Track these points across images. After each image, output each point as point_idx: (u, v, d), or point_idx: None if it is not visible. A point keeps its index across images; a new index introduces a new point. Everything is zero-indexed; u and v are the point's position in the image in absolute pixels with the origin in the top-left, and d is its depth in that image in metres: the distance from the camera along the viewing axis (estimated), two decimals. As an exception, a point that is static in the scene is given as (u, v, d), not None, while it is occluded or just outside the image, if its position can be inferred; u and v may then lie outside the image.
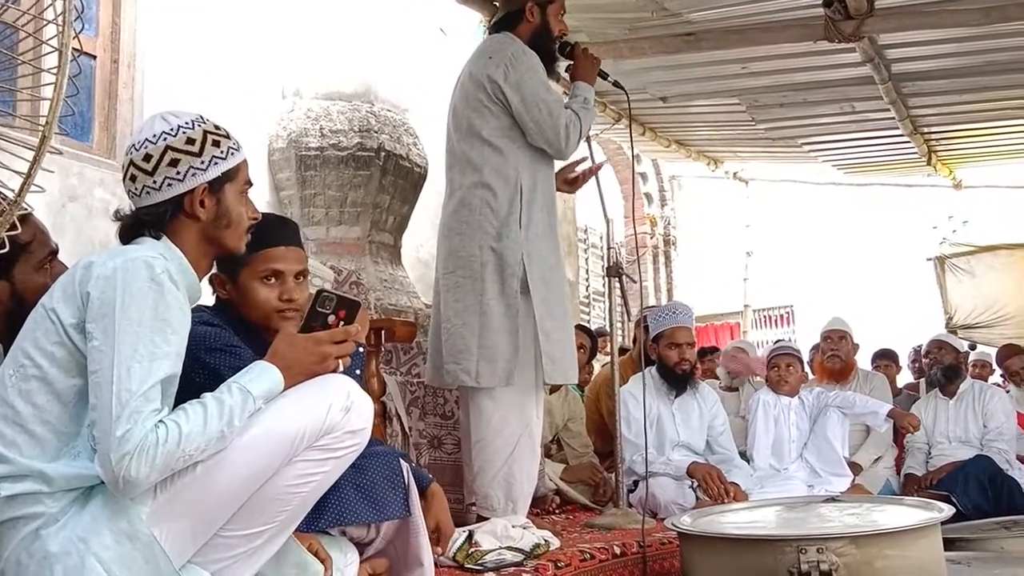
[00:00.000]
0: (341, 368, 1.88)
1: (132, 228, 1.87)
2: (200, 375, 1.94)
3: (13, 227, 2.20)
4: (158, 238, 1.85)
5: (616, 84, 3.52)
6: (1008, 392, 6.19)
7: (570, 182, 3.53)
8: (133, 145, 1.88)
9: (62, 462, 1.68)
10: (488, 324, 3.13)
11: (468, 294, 3.16)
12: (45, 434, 1.68)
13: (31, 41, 3.08)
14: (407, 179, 5.80)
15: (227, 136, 1.93)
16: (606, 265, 3.56)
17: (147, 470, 1.60)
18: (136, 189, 1.87)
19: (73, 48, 2.68)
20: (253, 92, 5.66)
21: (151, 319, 1.68)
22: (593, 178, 3.51)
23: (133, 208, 1.90)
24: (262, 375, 1.77)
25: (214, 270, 2.10)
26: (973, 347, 8.48)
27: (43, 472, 1.66)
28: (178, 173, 1.85)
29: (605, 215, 3.46)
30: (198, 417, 1.66)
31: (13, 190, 2.31)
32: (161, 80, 5.21)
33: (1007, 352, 6.66)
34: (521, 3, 3.33)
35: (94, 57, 5.00)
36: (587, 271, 10.66)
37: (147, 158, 1.85)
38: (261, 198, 5.49)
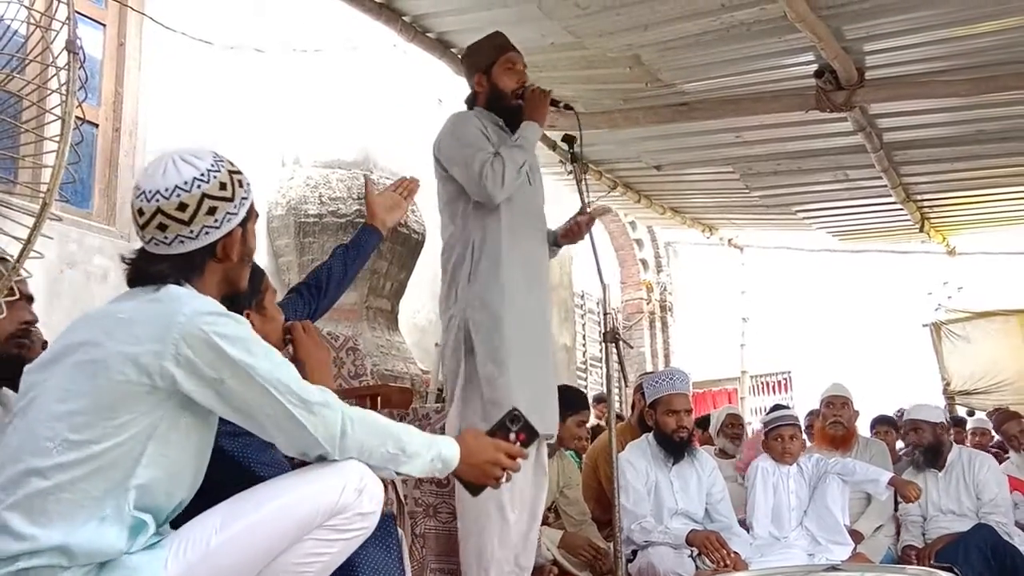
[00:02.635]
0: (504, 480, 2.02)
1: (153, 275, 1.82)
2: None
3: (11, 292, 2.20)
4: (180, 284, 1.82)
5: (566, 107, 3.54)
6: (1008, 458, 6.12)
7: (565, 234, 3.48)
8: (159, 192, 1.82)
9: (90, 528, 1.65)
10: (458, 386, 3.20)
11: (448, 360, 3.25)
12: (77, 500, 1.66)
13: (35, 109, 3.12)
14: (405, 245, 5.84)
15: (240, 171, 1.94)
16: (603, 330, 3.56)
17: (357, 425, 1.81)
18: (166, 238, 1.82)
19: (76, 116, 2.71)
20: (253, 160, 5.71)
21: (251, 337, 1.77)
22: (590, 244, 3.51)
23: (155, 255, 1.85)
24: (448, 443, 1.95)
25: None
26: (971, 413, 8.44)
27: (66, 547, 1.63)
28: (215, 221, 1.84)
29: (601, 280, 3.46)
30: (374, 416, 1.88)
31: (12, 256, 2.33)
32: (162, 148, 5.25)
33: (1002, 417, 6.60)
34: (471, 77, 3.45)
35: (96, 125, 5.07)
36: (584, 336, 10.66)
37: (182, 207, 1.81)
38: (260, 264, 5.51)
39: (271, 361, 1.77)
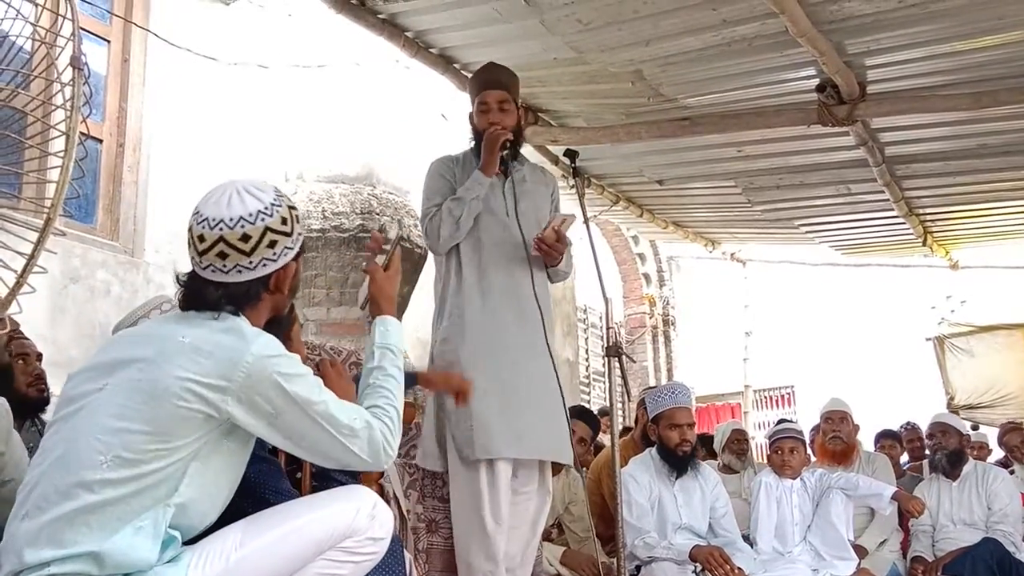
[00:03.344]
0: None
1: (209, 301, 1.89)
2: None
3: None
4: (236, 314, 1.89)
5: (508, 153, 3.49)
6: (1012, 471, 6.11)
7: (543, 256, 3.37)
8: (223, 221, 1.87)
9: (125, 538, 1.69)
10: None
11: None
12: (119, 513, 1.70)
13: (39, 125, 3.14)
14: (408, 260, 5.83)
15: (296, 207, 2.01)
16: (606, 345, 3.55)
17: (391, 432, 1.95)
18: (224, 266, 1.88)
19: (80, 132, 2.73)
20: (256, 175, 5.73)
21: (305, 373, 1.88)
22: (592, 258, 3.50)
23: (211, 281, 1.91)
24: (388, 338, 2.15)
25: None
26: (976, 427, 8.42)
27: (98, 554, 1.67)
28: (274, 254, 1.92)
29: (604, 295, 3.46)
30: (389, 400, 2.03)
31: (16, 271, 2.34)
32: (166, 164, 5.29)
33: (1004, 428, 6.67)
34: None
35: (100, 141, 5.09)
36: (587, 351, 10.64)
37: (245, 238, 1.88)
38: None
39: (321, 396, 1.87)
